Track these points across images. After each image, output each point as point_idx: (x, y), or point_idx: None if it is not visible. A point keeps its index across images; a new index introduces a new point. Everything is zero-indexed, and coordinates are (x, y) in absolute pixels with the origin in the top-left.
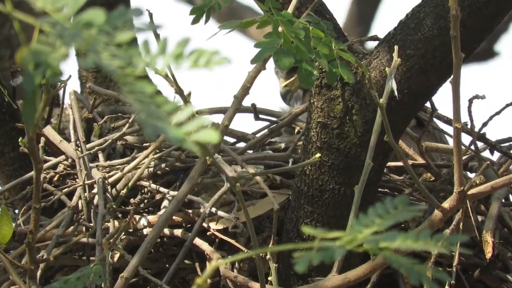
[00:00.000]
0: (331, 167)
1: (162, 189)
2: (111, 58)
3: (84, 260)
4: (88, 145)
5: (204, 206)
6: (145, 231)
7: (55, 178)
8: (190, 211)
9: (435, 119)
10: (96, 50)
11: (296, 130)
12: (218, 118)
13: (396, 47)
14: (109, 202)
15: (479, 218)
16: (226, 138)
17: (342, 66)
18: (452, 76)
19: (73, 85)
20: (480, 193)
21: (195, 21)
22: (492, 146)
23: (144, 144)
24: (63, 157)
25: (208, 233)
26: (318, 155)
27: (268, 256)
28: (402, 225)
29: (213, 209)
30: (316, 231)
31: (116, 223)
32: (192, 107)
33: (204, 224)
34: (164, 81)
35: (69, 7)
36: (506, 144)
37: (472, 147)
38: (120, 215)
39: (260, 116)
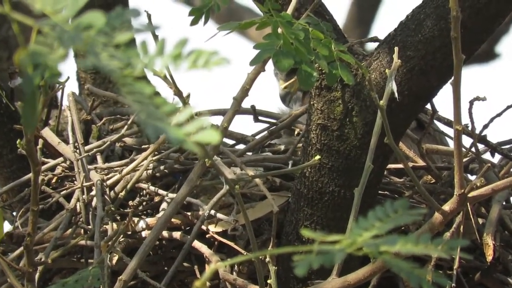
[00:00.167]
0: (331, 169)
1: (161, 191)
2: (110, 59)
3: (83, 262)
4: (87, 147)
5: (203, 208)
6: (143, 233)
7: (53, 180)
8: (189, 213)
9: (435, 121)
10: (95, 51)
11: (295, 132)
12: (217, 120)
13: (396, 49)
14: (108, 205)
15: (480, 220)
16: (225, 140)
17: (342, 67)
18: (452, 78)
19: (72, 86)
20: (480, 196)
21: (194, 22)
22: (493, 148)
23: (143, 146)
24: (61, 159)
25: (207, 236)
26: (318, 157)
27: (267, 259)
28: (402, 228)
29: (212, 212)
30: (315, 234)
31: (115, 225)
32: (191, 108)
33: (203, 227)
34: (162, 82)
35: (68, 9)
36: (507, 146)
37: (473, 149)
38: (118, 218)
39: (260, 118)
